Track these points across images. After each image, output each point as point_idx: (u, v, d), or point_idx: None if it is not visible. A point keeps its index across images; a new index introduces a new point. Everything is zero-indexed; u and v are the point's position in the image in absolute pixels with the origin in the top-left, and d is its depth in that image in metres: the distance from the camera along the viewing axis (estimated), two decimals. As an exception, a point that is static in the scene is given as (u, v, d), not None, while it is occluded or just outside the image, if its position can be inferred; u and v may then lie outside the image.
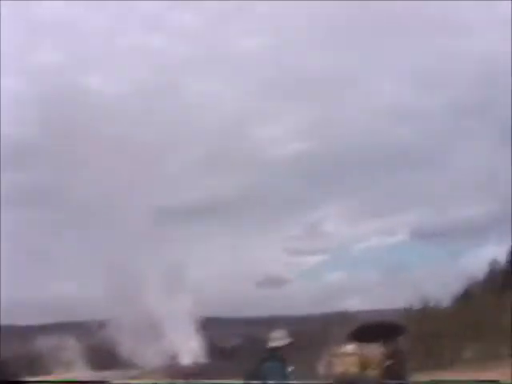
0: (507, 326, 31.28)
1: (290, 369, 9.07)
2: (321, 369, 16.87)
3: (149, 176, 63.55)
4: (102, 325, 57.23)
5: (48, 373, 53.98)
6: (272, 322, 68.27)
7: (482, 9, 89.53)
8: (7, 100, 75.02)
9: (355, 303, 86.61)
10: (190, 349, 56.75)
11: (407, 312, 42.73)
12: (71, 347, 58.38)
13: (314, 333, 47.71)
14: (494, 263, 47.77)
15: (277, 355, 8.48)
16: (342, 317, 52.30)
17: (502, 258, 49.43)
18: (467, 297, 44.08)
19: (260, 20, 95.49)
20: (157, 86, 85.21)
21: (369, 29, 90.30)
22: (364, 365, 10.85)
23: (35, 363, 56.30)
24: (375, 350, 10.39)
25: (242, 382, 9.51)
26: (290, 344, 9.05)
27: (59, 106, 59.80)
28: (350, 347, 13.22)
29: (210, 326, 59.92)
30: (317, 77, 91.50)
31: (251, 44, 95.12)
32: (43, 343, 58.40)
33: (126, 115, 65.17)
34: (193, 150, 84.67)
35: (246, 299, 78.96)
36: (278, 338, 9.24)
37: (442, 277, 60.77)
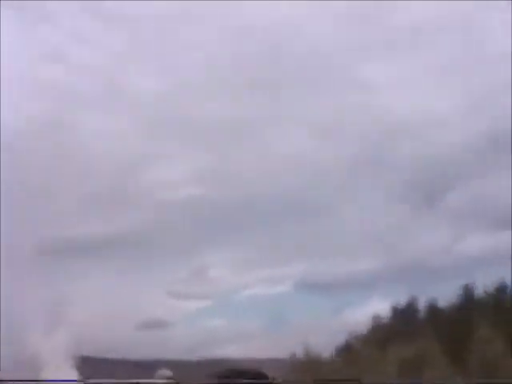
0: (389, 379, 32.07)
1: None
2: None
3: (40, 209, 62.14)
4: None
5: None
6: (151, 365, 67.56)
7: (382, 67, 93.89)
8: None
9: (235, 351, 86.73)
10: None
11: (290, 361, 43.13)
12: None
13: (187, 377, 47.25)
14: (377, 317, 49.02)
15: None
16: (218, 364, 52.18)
17: (385, 312, 50.83)
18: (350, 349, 44.99)
19: (159, 60, 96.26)
20: (52, 119, 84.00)
21: (271, 78, 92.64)
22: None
23: None
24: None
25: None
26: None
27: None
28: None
29: (86, 366, 58.44)
30: (215, 123, 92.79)
31: (151, 85, 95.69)
32: None
33: (21, 144, 63.71)
34: (84, 186, 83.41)
35: (127, 340, 77.56)
36: (162, 377, 9.26)
37: (325, 328, 61.91)
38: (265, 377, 11.21)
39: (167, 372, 41.28)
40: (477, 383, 30.38)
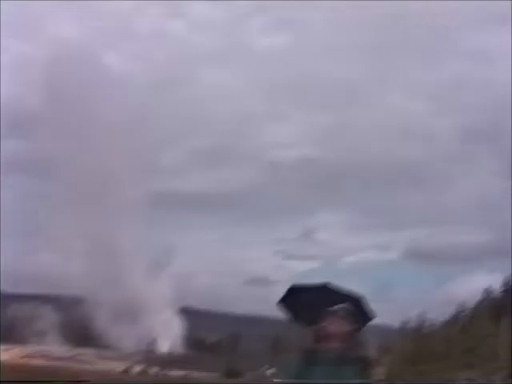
0: (501, 355, 30.34)
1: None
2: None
3: (150, 161, 62.91)
4: (80, 300, 56.18)
5: (20, 341, 52.96)
6: (254, 322, 67.84)
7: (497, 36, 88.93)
8: (17, 64, 74.19)
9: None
10: (168, 337, 55.64)
11: (401, 330, 41.69)
12: (46, 319, 57.27)
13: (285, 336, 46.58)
14: (487, 291, 46.69)
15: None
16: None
17: (495, 286, 48.40)
18: (458, 322, 43.02)
19: (281, 21, 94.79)
20: (171, 72, 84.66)
21: (388, 45, 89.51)
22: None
23: (8, 331, 55.16)
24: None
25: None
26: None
27: (69, 77, 58.87)
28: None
29: (191, 318, 58.95)
30: (332, 85, 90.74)
31: (271, 43, 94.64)
32: (18, 312, 57.28)
33: (136, 96, 64.48)
34: (199, 140, 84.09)
35: (230, 294, 78.07)
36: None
37: (431, 299, 59.75)
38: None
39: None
40: None
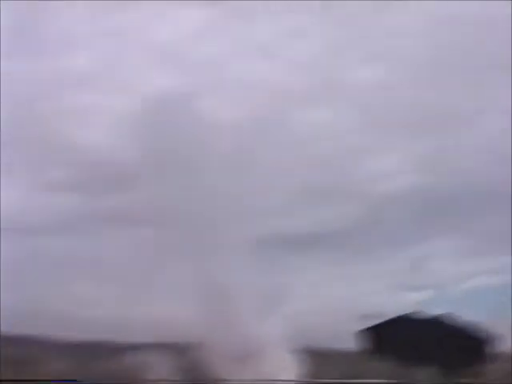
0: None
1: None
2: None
3: (256, 203, 62.86)
4: (195, 346, 56.11)
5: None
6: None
7: None
8: (115, 120, 76.05)
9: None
10: (289, 378, 54.53)
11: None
12: (162, 367, 57.31)
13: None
14: None
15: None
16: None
17: None
18: None
19: (374, 51, 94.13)
20: (269, 114, 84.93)
21: (488, 69, 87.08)
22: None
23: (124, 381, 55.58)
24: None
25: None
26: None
27: (165, 127, 59.80)
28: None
29: (310, 357, 57.78)
30: (430, 111, 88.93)
31: (365, 75, 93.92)
32: (133, 361, 57.69)
33: (236, 142, 64.81)
34: (300, 179, 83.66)
35: (346, 332, 76.24)
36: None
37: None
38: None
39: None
40: None
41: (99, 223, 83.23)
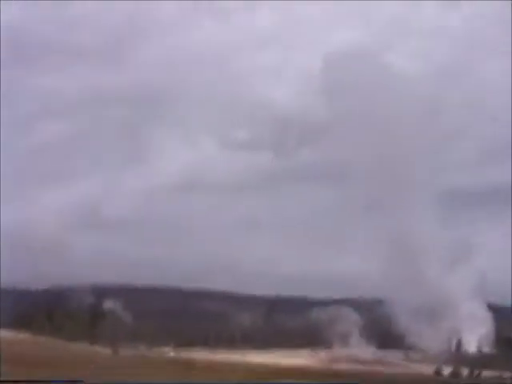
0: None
1: None
2: None
3: (442, 156, 61.54)
4: (380, 302, 56.31)
5: (325, 345, 54.30)
6: None
7: None
8: (302, 76, 76.92)
9: None
10: (475, 336, 53.27)
11: None
12: (348, 322, 58.11)
13: None
14: None
15: None
16: None
17: None
18: None
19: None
20: (452, 65, 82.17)
21: None
22: None
23: (313, 335, 56.91)
24: None
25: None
26: None
27: (351, 80, 59.50)
28: None
29: (496, 315, 56.06)
30: None
31: None
32: (322, 316, 58.86)
33: (420, 91, 63.47)
34: (490, 132, 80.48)
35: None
36: None
37: None
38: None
39: None
40: None
41: (287, 180, 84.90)
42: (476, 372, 41.64)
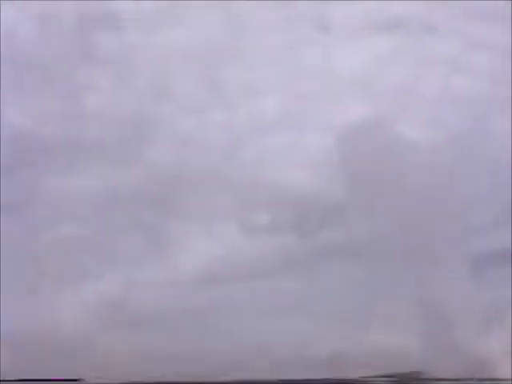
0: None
1: None
2: None
3: (464, 220, 61.62)
4: (420, 374, 55.60)
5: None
6: None
7: None
8: (316, 156, 77.73)
9: None
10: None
11: None
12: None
13: None
14: None
15: None
16: None
17: None
18: None
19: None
20: (468, 132, 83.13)
21: None
22: None
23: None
24: None
25: None
26: None
27: (365, 155, 60.26)
28: None
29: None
30: None
31: None
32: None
33: (440, 166, 64.07)
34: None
35: None
36: None
37: None
38: None
39: None
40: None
41: (311, 261, 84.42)
42: None
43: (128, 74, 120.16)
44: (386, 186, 58.38)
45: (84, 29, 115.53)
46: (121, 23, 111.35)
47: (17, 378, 60.09)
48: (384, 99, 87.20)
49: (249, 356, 69.46)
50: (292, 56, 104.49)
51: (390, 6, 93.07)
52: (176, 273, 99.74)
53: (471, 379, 44.18)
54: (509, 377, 42.63)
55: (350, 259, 72.63)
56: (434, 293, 56.49)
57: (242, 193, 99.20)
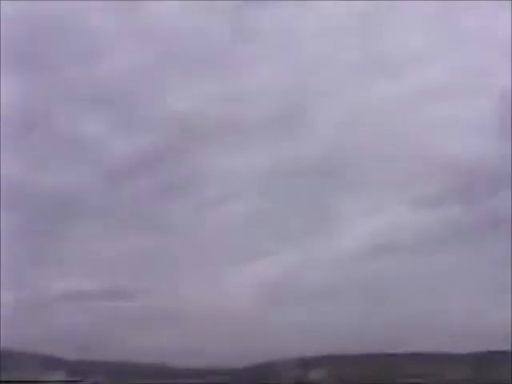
0: None
1: None
2: None
3: None
4: None
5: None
6: None
7: None
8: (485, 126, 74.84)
9: None
10: None
11: None
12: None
13: None
14: None
15: None
16: None
17: None
18: None
19: None
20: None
21: None
22: None
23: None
24: None
25: None
26: None
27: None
28: None
29: None
30: None
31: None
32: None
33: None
34: None
35: None
36: None
37: None
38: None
39: None
40: None
41: (479, 230, 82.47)
42: None
43: (284, 50, 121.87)
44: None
45: (237, 7, 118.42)
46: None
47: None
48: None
49: (418, 328, 69.27)
50: (449, 23, 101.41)
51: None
52: (343, 247, 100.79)
53: None
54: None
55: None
56: None
57: (407, 164, 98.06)
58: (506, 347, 63.78)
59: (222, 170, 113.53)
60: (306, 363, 79.12)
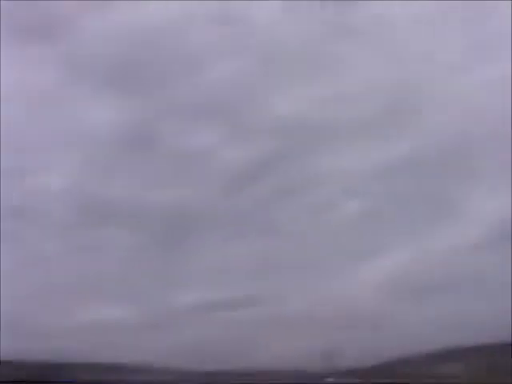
0: None
1: None
2: None
3: None
4: None
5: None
6: None
7: None
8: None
9: None
10: None
11: None
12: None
13: None
14: None
15: None
16: None
17: None
18: None
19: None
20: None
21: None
22: None
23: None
24: None
25: None
26: None
27: None
28: None
29: None
30: None
31: None
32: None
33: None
34: None
35: None
36: None
37: None
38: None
39: None
40: None
41: None
42: None
43: (383, 45, 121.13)
44: None
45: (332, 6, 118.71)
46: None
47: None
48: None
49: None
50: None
51: None
52: (462, 238, 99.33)
53: None
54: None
55: None
56: None
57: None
58: None
59: (334, 170, 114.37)
60: (437, 357, 78.45)
